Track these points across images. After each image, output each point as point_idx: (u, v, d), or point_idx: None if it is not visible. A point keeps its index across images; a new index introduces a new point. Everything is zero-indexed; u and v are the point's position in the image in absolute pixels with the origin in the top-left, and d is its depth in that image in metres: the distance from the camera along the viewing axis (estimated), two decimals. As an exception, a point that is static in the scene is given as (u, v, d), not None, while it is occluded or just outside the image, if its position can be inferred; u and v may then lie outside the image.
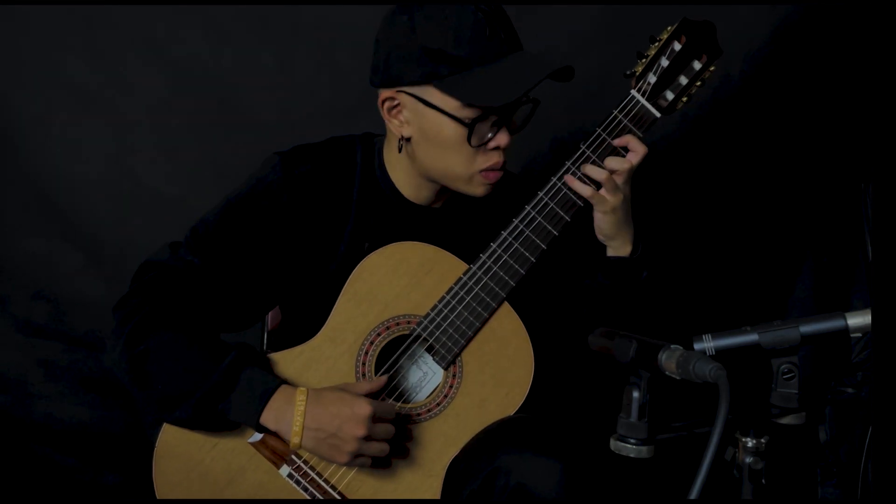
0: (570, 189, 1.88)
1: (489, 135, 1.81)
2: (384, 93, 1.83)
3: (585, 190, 1.86)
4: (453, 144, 1.81)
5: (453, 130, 1.79)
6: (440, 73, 1.76)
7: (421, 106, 1.80)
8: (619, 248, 1.93)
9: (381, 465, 1.83)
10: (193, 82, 2.75)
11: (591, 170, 1.87)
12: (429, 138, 1.82)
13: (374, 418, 1.77)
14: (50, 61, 2.72)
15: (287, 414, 1.76)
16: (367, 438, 1.77)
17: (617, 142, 1.88)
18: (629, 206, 1.90)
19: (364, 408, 1.76)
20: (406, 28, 1.77)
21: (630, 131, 1.90)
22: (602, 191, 1.86)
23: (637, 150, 1.88)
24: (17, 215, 2.78)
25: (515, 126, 1.86)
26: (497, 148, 1.83)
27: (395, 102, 1.82)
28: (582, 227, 1.94)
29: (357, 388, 1.82)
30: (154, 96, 2.75)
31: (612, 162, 1.88)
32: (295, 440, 1.76)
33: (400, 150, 1.87)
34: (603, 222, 1.89)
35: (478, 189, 1.87)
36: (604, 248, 1.95)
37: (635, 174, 1.90)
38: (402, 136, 1.85)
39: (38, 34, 2.71)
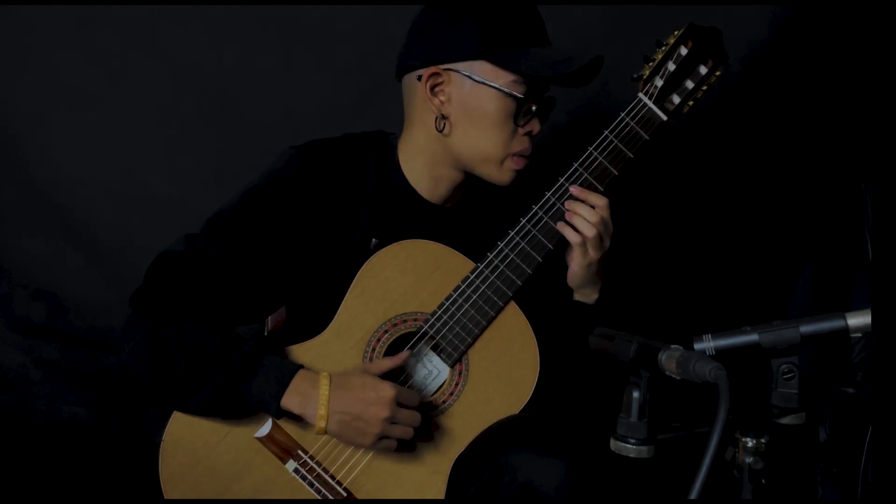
0: (555, 232, 1.89)
1: (532, 109, 1.89)
2: (427, 71, 1.87)
3: (574, 238, 1.88)
4: (496, 121, 1.87)
5: (500, 105, 1.86)
6: (497, 49, 1.84)
7: (468, 82, 1.85)
8: (586, 296, 1.97)
9: (404, 448, 1.84)
10: (194, 82, 2.75)
11: (581, 224, 1.88)
12: (471, 116, 1.87)
13: (399, 401, 1.80)
14: (50, 61, 2.72)
15: (312, 399, 1.78)
16: (391, 421, 1.79)
17: (574, 191, 1.89)
18: (602, 263, 1.93)
19: (388, 391, 1.79)
20: (461, 8, 1.85)
21: (636, 134, 1.91)
22: (587, 245, 1.88)
23: (598, 204, 1.88)
24: (17, 215, 2.77)
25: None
26: (529, 134, 1.90)
27: (440, 80, 1.87)
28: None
29: (378, 366, 1.84)
30: (154, 96, 2.75)
31: (582, 224, 1.87)
32: (321, 424, 1.78)
33: (442, 129, 1.89)
34: (578, 275, 1.92)
35: (505, 175, 1.92)
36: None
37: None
38: (441, 115, 1.87)
39: (38, 34, 2.70)
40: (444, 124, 1.90)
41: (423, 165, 1.95)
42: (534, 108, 1.89)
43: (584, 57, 1.86)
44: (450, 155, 1.92)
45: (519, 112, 1.87)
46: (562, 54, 1.88)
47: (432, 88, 1.88)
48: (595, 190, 1.90)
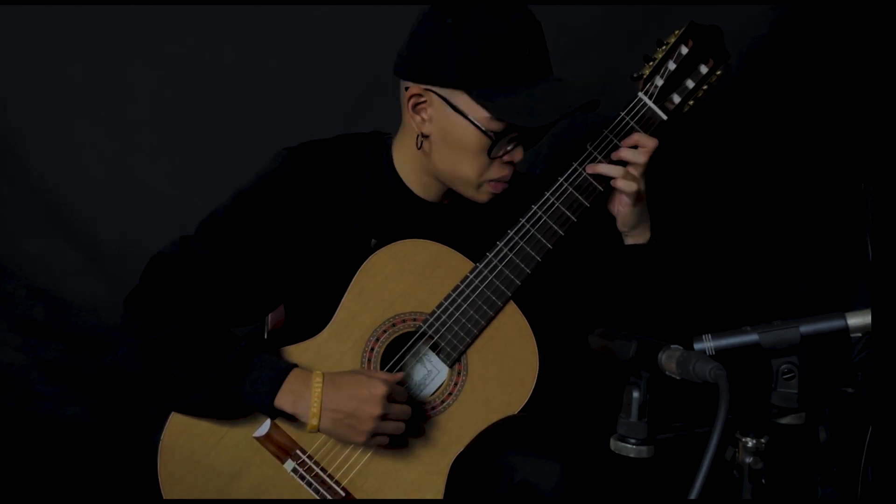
0: (593, 176, 1.89)
1: (507, 148, 1.84)
2: (412, 88, 1.84)
3: (616, 171, 1.87)
4: (471, 152, 1.83)
5: (475, 139, 1.81)
6: (476, 82, 1.78)
7: (448, 108, 1.81)
8: (639, 236, 1.96)
9: (398, 444, 1.84)
10: (193, 82, 2.75)
11: (606, 168, 1.89)
12: (448, 141, 1.84)
13: (390, 397, 1.79)
14: (50, 61, 2.72)
15: (304, 397, 1.78)
16: (384, 417, 1.79)
17: (625, 142, 1.89)
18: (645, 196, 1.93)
19: (380, 387, 1.78)
20: (449, 30, 1.78)
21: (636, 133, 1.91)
22: (638, 181, 1.89)
23: (647, 145, 1.89)
24: (17, 215, 2.78)
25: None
26: (510, 162, 1.86)
27: (422, 99, 1.84)
28: (586, 229, 1.94)
29: (374, 377, 1.83)
30: (154, 96, 2.75)
31: (627, 153, 1.89)
32: (313, 422, 1.78)
33: (419, 147, 1.88)
34: (629, 213, 1.92)
35: (482, 196, 1.90)
36: (613, 242, 1.98)
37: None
38: (422, 134, 1.86)
39: (38, 34, 2.71)
40: (423, 143, 1.88)
41: (413, 170, 1.94)
42: (509, 147, 1.85)
43: (573, 101, 1.79)
44: (432, 168, 1.91)
45: (494, 147, 1.82)
46: (549, 94, 1.81)
47: (414, 106, 1.86)
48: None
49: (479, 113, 1.80)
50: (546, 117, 1.77)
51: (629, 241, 1.97)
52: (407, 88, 1.86)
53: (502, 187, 1.89)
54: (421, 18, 1.85)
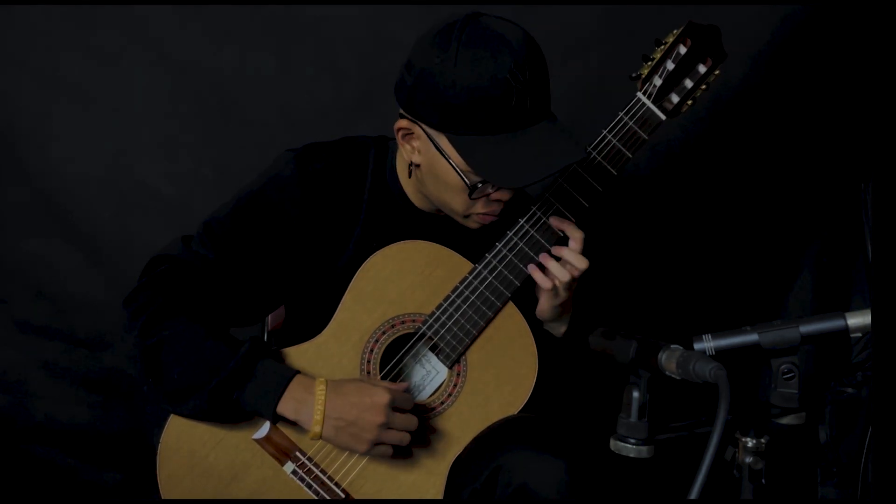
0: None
1: (489, 191, 1.82)
2: (402, 121, 1.82)
3: (545, 283, 1.86)
4: (455, 189, 1.82)
5: (457, 180, 1.80)
6: (457, 130, 1.76)
7: (432, 146, 1.80)
8: (554, 329, 1.97)
9: (401, 453, 1.84)
10: (193, 82, 2.75)
11: (556, 269, 1.87)
12: (435, 176, 1.83)
13: (393, 407, 1.79)
14: (50, 61, 2.72)
15: (307, 404, 1.78)
16: (386, 426, 1.78)
17: (553, 222, 1.88)
18: (572, 297, 1.92)
19: (383, 396, 1.78)
20: (436, 71, 1.74)
21: (635, 133, 1.90)
22: (559, 288, 1.87)
23: (575, 237, 1.87)
24: (17, 215, 2.78)
25: None
26: (498, 200, 1.84)
27: (410, 131, 1.82)
28: (586, 230, 1.94)
29: (378, 385, 1.82)
30: (154, 96, 2.75)
31: (557, 271, 1.87)
32: (316, 429, 1.77)
33: (410, 175, 1.88)
34: (547, 313, 1.91)
35: (471, 224, 1.89)
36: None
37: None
38: (412, 162, 1.85)
39: (37, 34, 2.71)
40: (413, 171, 1.87)
41: (410, 184, 1.94)
42: (491, 190, 1.81)
43: (555, 160, 1.75)
44: (424, 191, 1.91)
45: (474, 191, 1.80)
46: (532, 148, 1.75)
47: (403, 136, 1.84)
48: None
49: (458, 158, 1.77)
50: (524, 178, 1.75)
51: (545, 326, 1.97)
52: (401, 115, 1.84)
53: (491, 219, 1.87)
54: (417, 46, 1.80)
